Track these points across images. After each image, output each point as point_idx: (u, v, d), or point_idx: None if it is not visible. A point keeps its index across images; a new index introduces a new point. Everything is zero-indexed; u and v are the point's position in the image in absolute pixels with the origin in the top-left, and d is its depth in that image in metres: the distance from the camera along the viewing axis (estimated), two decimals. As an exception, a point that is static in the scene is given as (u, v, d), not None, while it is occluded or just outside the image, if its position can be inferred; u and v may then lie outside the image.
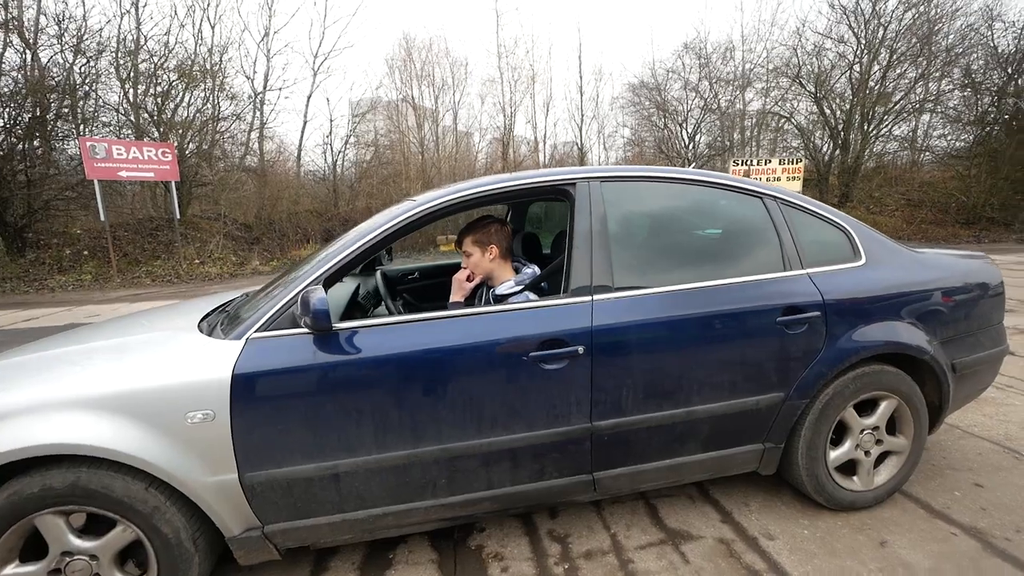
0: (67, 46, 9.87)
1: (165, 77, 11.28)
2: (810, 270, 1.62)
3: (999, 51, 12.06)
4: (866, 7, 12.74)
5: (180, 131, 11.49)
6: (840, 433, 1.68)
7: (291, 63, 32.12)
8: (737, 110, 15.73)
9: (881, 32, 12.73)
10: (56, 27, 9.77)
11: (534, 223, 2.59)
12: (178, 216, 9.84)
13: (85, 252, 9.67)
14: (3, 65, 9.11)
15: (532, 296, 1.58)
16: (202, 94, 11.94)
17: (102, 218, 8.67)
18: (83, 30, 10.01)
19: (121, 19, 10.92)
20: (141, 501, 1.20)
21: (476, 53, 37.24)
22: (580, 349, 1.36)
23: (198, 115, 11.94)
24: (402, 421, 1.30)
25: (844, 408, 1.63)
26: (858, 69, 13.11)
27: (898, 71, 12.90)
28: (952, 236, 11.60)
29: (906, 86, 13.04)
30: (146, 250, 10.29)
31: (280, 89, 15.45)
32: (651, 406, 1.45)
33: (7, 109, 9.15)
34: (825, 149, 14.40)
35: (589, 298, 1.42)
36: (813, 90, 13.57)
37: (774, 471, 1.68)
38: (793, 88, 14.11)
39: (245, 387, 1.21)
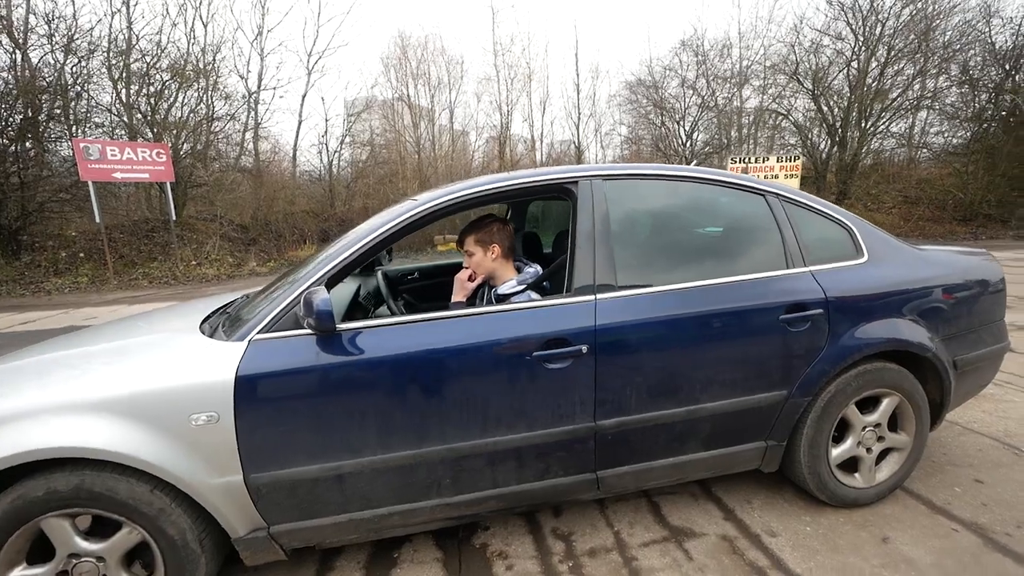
0: (57, 46, 9.79)
1: (158, 77, 11.22)
2: (813, 268, 1.62)
3: (996, 47, 12.11)
4: (864, 3, 12.76)
5: (174, 131, 11.42)
6: (842, 430, 1.69)
7: (285, 62, 31.99)
8: (734, 107, 15.75)
9: (879, 28, 12.75)
10: (46, 26, 9.70)
11: (531, 222, 2.59)
12: (174, 217, 9.79)
13: (81, 254, 9.62)
14: (-7, 65, 9.04)
15: (534, 295, 1.58)
16: (196, 94, 11.88)
17: (97, 220, 8.62)
18: (73, 29, 9.94)
19: (112, 18, 10.86)
20: (146, 503, 1.20)
21: (472, 51, 37.18)
22: (584, 348, 1.36)
23: (192, 115, 11.89)
24: (406, 421, 1.30)
25: (846, 405, 1.64)
26: (856, 66, 13.13)
27: (896, 68, 12.93)
28: (949, 233, 11.66)
29: (904, 83, 13.07)
30: (142, 252, 10.24)
31: (274, 88, 15.45)
32: (655, 405, 1.45)
33: (-2, 110, 9.08)
34: (823, 146, 14.44)
35: (592, 297, 1.42)
36: (811, 87, 13.59)
37: (776, 469, 1.69)
38: (791, 85, 14.13)
39: (249, 389, 1.21)
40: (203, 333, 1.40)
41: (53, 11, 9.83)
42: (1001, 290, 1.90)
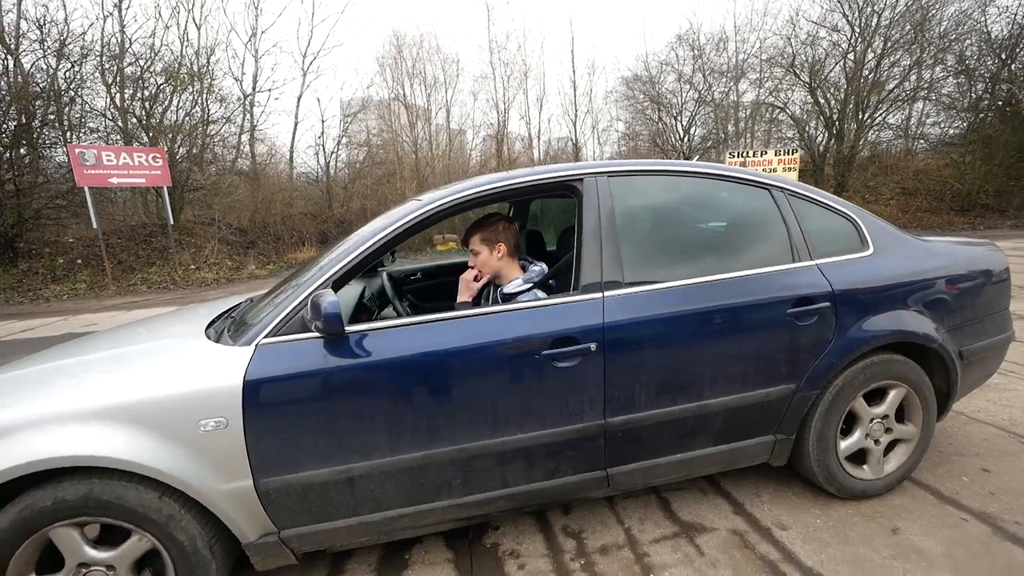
0: (50, 51, 9.71)
1: (152, 80, 11.14)
2: (819, 261, 1.62)
3: (992, 37, 12.10)
4: (860, -6, 12.72)
5: (170, 135, 11.36)
6: (850, 423, 1.69)
7: (280, 63, 31.90)
8: (731, 102, 15.73)
9: (875, 20, 12.72)
10: (38, 31, 9.61)
11: (530, 220, 2.58)
12: (171, 222, 9.74)
13: (79, 260, 9.57)
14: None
15: (541, 294, 1.57)
16: (190, 97, 11.81)
17: (94, 226, 8.57)
18: (65, 34, 9.84)
19: (104, 22, 10.76)
20: (155, 510, 1.19)
21: (467, 49, 37.05)
22: (592, 346, 1.36)
23: (187, 119, 11.82)
24: (416, 423, 1.30)
25: (854, 398, 1.64)
26: (852, 58, 13.11)
27: (892, 59, 12.91)
28: (947, 224, 11.67)
29: (900, 74, 13.05)
30: (140, 257, 10.20)
31: (270, 90, 15.28)
32: (664, 401, 1.45)
33: (-8, 117, 9.02)
34: (820, 139, 14.43)
35: (600, 295, 1.41)
36: (807, 80, 13.57)
37: (785, 462, 1.69)
38: (787, 78, 14.11)
39: (257, 393, 1.20)
40: (209, 338, 1.39)
41: (45, 16, 9.79)
42: (1005, 280, 1.90)
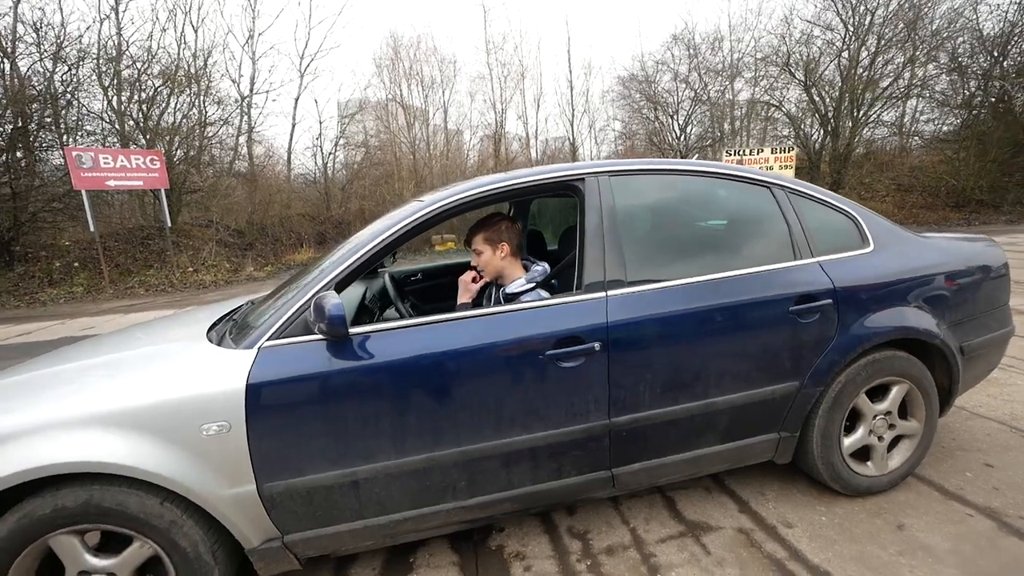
0: (46, 54, 9.66)
1: (149, 83, 11.11)
2: (820, 258, 1.62)
3: (984, 34, 12.17)
4: (853, -7, 12.78)
5: (167, 138, 11.32)
6: (853, 419, 1.69)
7: (277, 65, 31.67)
8: (727, 100, 15.77)
9: (869, 18, 12.78)
10: (34, 35, 9.57)
11: (530, 220, 2.57)
12: (169, 224, 9.71)
13: (75, 264, 9.52)
14: (-19, 76, 8.92)
15: (544, 293, 1.56)
16: (188, 99, 11.77)
17: (91, 228, 8.53)
18: (62, 37, 9.81)
19: (100, 25, 10.73)
20: (157, 516, 1.18)
21: (464, 50, 37.00)
22: (597, 346, 1.35)
23: (185, 121, 11.78)
24: (421, 425, 1.29)
25: (857, 395, 1.64)
26: (846, 56, 13.17)
27: (886, 57, 12.97)
28: (942, 220, 11.73)
29: (894, 71, 13.11)
30: (138, 260, 10.15)
31: (267, 92, 15.24)
32: (668, 400, 1.45)
33: (-12, 121, 8.97)
34: (815, 137, 14.48)
35: (603, 294, 1.41)
36: (802, 78, 13.61)
37: (789, 460, 1.68)
38: (782, 77, 14.16)
39: (260, 397, 1.19)
40: (211, 341, 1.38)
41: (41, 19, 9.72)
42: (1004, 275, 1.90)
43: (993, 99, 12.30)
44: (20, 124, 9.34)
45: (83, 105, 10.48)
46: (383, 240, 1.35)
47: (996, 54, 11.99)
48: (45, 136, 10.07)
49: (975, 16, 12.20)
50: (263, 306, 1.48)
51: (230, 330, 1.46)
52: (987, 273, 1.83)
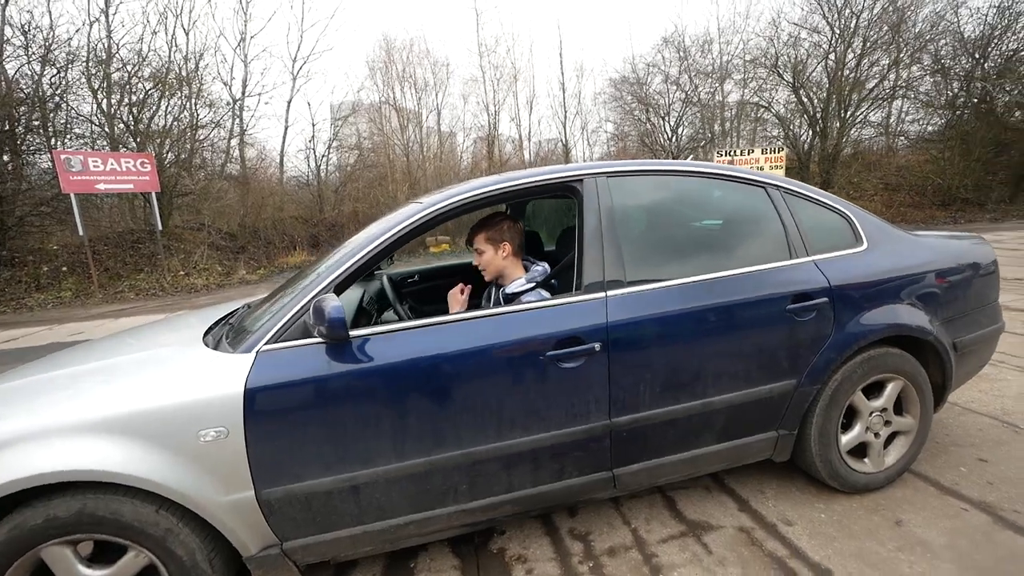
0: (34, 57, 9.53)
1: (140, 86, 11.00)
2: (815, 257, 1.63)
3: (965, 37, 12.42)
4: (838, -3, 12.99)
5: (158, 140, 11.19)
6: (850, 417, 1.70)
7: (270, 68, 31.60)
8: (717, 102, 15.93)
9: (854, 21, 13.00)
10: (22, 38, 9.43)
11: (526, 222, 2.58)
12: (160, 227, 9.59)
13: (64, 268, 9.36)
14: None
15: (544, 293, 1.56)
16: (179, 102, 11.66)
17: (80, 232, 8.40)
18: (51, 40, 9.67)
19: (90, 28, 10.61)
20: (152, 524, 1.16)
21: (457, 53, 37.10)
22: (597, 346, 1.35)
23: (176, 124, 11.67)
24: (422, 427, 1.28)
25: (853, 392, 1.65)
26: (833, 58, 13.37)
27: (871, 59, 13.19)
28: (929, 218, 11.92)
29: (880, 73, 13.35)
30: (128, 264, 10.01)
31: (259, 95, 15.19)
32: (669, 399, 1.45)
33: (-27, 124, 8.81)
34: (804, 137, 14.67)
35: (603, 294, 1.41)
36: (791, 79, 13.80)
37: (787, 458, 1.69)
38: (771, 78, 14.34)
39: (259, 402, 1.18)
40: (207, 345, 1.36)
41: (29, 22, 9.59)
42: (993, 272, 1.94)
43: (975, 100, 12.57)
44: (7, 127, 9.19)
45: (72, 108, 10.35)
46: (382, 242, 1.34)
47: (977, 56, 12.26)
48: (33, 139, 9.92)
49: (956, 19, 12.48)
50: (260, 310, 1.46)
51: (227, 334, 1.44)
52: (977, 270, 1.86)
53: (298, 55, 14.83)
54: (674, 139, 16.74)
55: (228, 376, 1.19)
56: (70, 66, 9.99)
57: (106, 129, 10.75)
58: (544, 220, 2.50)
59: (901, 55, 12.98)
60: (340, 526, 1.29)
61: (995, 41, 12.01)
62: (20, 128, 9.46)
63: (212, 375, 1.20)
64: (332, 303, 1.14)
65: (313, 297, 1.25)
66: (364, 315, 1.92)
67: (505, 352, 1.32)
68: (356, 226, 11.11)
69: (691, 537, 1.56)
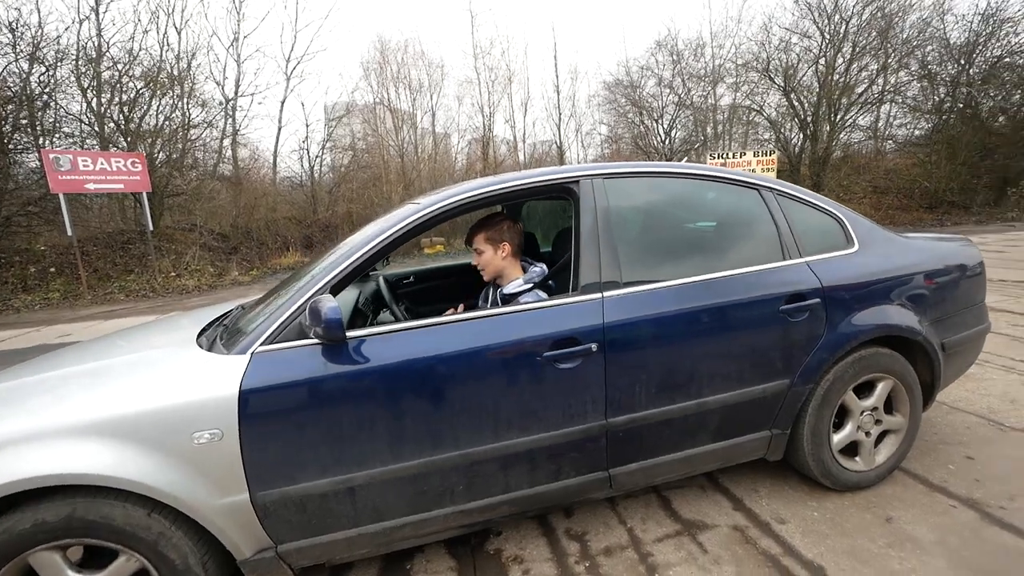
0: (22, 54, 9.37)
1: (131, 85, 10.84)
2: (808, 258, 1.65)
3: (951, 43, 12.67)
4: (828, 3, 13.20)
5: (149, 140, 11.05)
6: (841, 416, 1.73)
7: (263, 68, 31.30)
8: (709, 105, 16.10)
9: (843, 27, 13.21)
10: (9, 35, 9.27)
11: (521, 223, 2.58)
12: (151, 228, 9.46)
13: (52, 269, 9.21)
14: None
15: (542, 294, 1.57)
16: (171, 101, 11.53)
17: (69, 233, 8.27)
18: (39, 38, 9.52)
19: (80, 26, 10.45)
20: (144, 528, 1.14)
21: (452, 54, 37.07)
22: (593, 347, 1.36)
23: (167, 123, 11.53)
24: (419, 428, 1.28)
25: (845, 392, 1.67)
26: (823, 62, 13.57)
27: (860, 64, 13.41)
28: (917, 220, 12.12)
29: (868, 77, 13.58)
30: (118, 265, 9.86)
31: (252, 95, 15.09)
32: (664, 399, 1.46)
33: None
34: (795, 140, 14.87)
35: (599, 295, 1.42)
36: (782, 83, 13.98)
37: (781, 457, 1.71)
38: (763, 82, 14.52)
39: (254, 403, 1.17)
40: (201, 347, 1.35)
41: (17, 19, 9.42)
42: (980, 273, 1.97)
43: (961, 104, 12.81)
44: (-7, 126, 9.03)
45: (61, 107, 10.19)
46: (379, 243, 1.34)
47: (963, 62, 12.50)
48: (20, 138, 9.74)
49: (942, 26, 12.73)
50: (255, 311, 1.45)
51: (221, 335, 1.43)
52: (964, 271, 1.90)
53: (292, 55, 14.74)
54: (667, 142, 16.88)
55: (222, 377, 1.18)
56: (59, 64, 9.84)
57: (96, 128, 10.61)
58: (539, 222, 2.51)
59: (889, 60, 13.22)
60: (336, 528, 1.28)
61: (980, 47, 12.27)
62: (7, 126, 9.29)
63: (206, 376, 1.19)
64: (329, 304, 1.14)
65: (309, 298, 1.25)
66: (360, 316, 1.92)
67: (502, 353, 1.32)
68: (350, 227, 11.07)
69: (686, 536, 1.57)
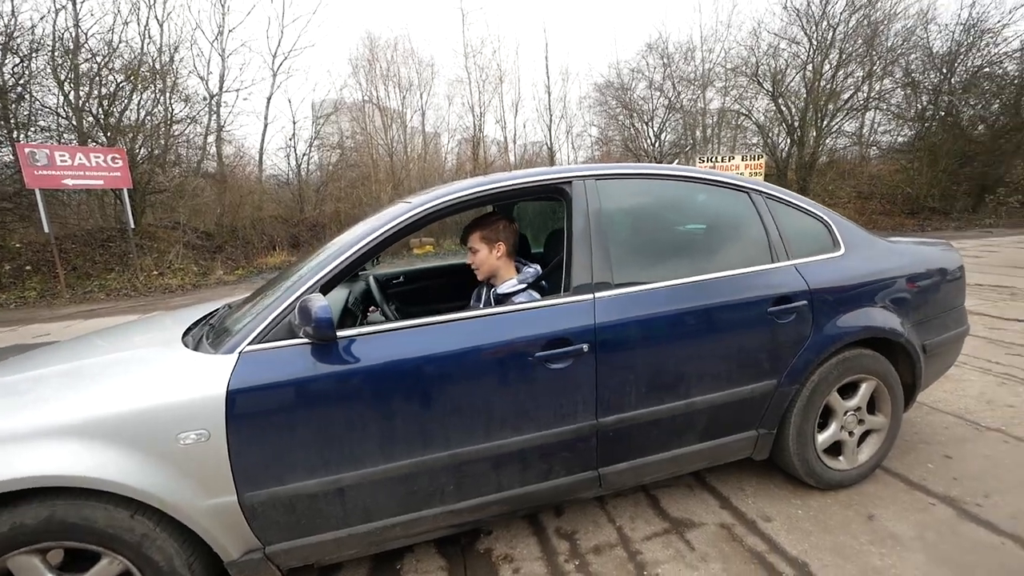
0: (-5, 45, 9.08)
1: (110, 78, 10.56)
2: (796, 261, 1.69)
3: (934, 52, 13.03)
4: (816, 10, 13.48)
5: (130, 135, 10.79)
6: (825, 416, 1.76)
7: (249, 63, 30.85)
8: (699, 108, 16.31)
9: (831, 33, 13.49)
10: (-19, 25, 8.98)
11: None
12: (132, 225, 9.24)
13: (27, 267, 8.94)
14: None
15: (535, 295, 1.57)
16: (152, 96, 11.26)
17: (46, 230, 8.03)
18: (12, 27, 9.24)
19: (56, 15, 10.15)
20: (127, 530, 1.12)
21: (442, 53, 36.99)
22: (585, 347, 1.37)
23: (149, 118, 11.27)
24: (410, 428, 1.27)
25: (829, 392, 1.71)
26: (811, 68, 13.85)
27: (847, 70, 13.72)
28: (899, 225, 12.43)
29: (854, 84, 13.89)
30: (98, 263, 9.62)
31: (237, 91, 14.80)
32: (654, 399, 1.48)
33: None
34: (782, 145, 15.14)
35: (591, 296, 1.43)
36: (770, 88, 14.23)
37: (766, 456, 1.74)
38: (751, 87, 14.76)
39: (242, 404, 1.15)
40: (187, 346, 1.32)
41: (-12, 8, 9.13)
42: (960, 277, 2.03)
43: (943, 113, 13.17)
44: (-35, 118, 8.73)
45: (36, 99, 9.90)
46: (370, 242, 1.33)
47: (944, 71, 12.86)
48: (-7, 131, 9.45)
49: (926, 35, 13.09)
50: (242, 310, 1.43)
51: (207, 334, 1.40)
52: (945, 275, 1.95)
53: (279, 51, 14.54)
54: (657, 144, 17.05)
55: (209, 377, 1.16)
56: (34, 55, 9.56)
57: (74, 122, 10.32)
58: (529, 222, 2.51)
59: (874, 68, 13.54)
60: (325, 529, 1.27)
61: (961, 57, 12.63)
62: (-20, 119, 9.01)
63: (192, 376, 1.17)
64: (319, 303, 1.13)
65: (298, 297, 1.23)
66: (349, 316, 1.90)
67: (494, 352, 1.32)
68: (338, 226, 10.96)
69: (674, 534, 1.59)
